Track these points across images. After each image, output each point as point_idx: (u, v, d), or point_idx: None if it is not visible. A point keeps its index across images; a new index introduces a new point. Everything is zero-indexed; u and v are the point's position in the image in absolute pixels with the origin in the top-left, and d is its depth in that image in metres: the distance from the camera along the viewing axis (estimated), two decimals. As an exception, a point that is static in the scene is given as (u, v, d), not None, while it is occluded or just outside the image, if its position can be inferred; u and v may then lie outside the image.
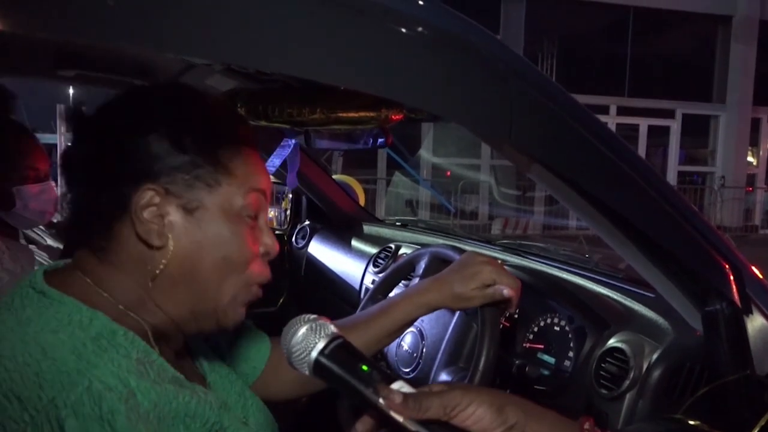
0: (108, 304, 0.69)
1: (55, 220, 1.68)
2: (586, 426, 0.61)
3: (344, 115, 1.22)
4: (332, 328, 0.64)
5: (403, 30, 0.65)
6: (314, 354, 0.62)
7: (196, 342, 0.86)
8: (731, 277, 0.87)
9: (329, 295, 1.98)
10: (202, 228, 0.71)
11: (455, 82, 0.70)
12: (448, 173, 9.90)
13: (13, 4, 0.54)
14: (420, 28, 0.66)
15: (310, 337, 0.62)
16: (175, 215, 0.71)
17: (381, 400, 0.59)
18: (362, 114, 1.23)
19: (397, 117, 1.27)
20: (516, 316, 1.30)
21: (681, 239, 0.84)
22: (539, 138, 0.75)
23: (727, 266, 0.87)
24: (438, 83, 0.69)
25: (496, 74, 0.72)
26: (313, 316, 0.65)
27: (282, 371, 0.95)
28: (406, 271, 1.28)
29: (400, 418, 0.58)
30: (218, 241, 0.72)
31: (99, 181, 0.71)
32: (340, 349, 0.63)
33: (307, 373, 0.63)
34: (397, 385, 0.60)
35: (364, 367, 0.61)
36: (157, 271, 0.71)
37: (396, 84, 0.66)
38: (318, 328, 0.63)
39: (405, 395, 0.59)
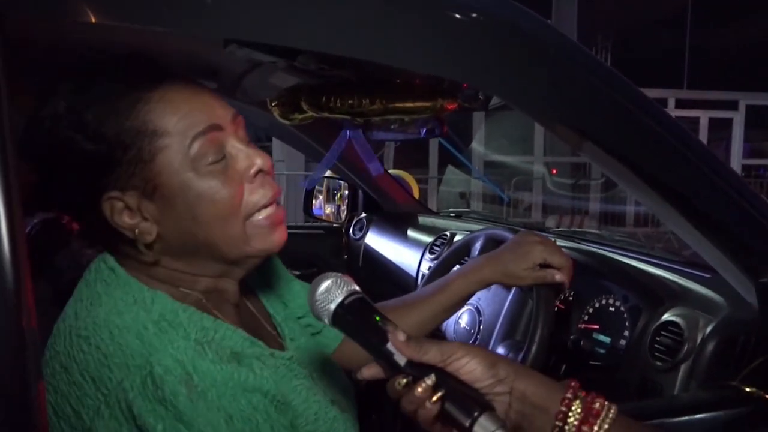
0: (161, 286, 0.74)
1: None
2: (573, 384, 0.64)
3: (401, 105, 1.28)
4: (354, 286, 0.70)
5: (459, 16, 0.71)
6: (333, 306, 0.68)
7: (276, 308, 0.92)
8: (785, 248, 0.89)
9: (387, 284, 2.04)
10: (171, 203, 0.71)
11: (508, 64, 0.75)
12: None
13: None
14: (475, 15, 0.72)
15: (332, 290, 0.68)
16: (145, 205, 0.71)
17: (388, 345, 0.65)
18: (418, 104, 1.29)
19: (452, 106, 1.32)
20: (571, 298, 1.33)
21: (734, 211, 0.87)
22: (591, 116, 0.80)
23: (780, 237, 0.89)
24: (491, 65, 0.74)
25: (547, 55, 0.77)
26: (338, 274, 0.70)
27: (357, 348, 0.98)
28: (462, 253, 1.33)
29: (401, 362, 0.64)
30: (194, 206, 0.70)
31: (72, 211, 0.75)
32: (357, 302, 0.68)
33: (326, 322, 0.69)
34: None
35: (377, 318, 0.68)
36: (167, 256, 0.73)
37: (455, 67, 0.72)
38: (341, 283, 0.69)
39: (408, 336, 0.65)
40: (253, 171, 0.74)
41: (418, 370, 0.64)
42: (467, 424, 0.60)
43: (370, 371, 0.68)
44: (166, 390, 0.63)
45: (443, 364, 0.64)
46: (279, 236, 0.77)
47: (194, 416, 0.64)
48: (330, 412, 0.79)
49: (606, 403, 0.63)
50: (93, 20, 0.61)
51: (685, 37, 10.96)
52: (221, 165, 0.72)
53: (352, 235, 2.34)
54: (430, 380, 0.62)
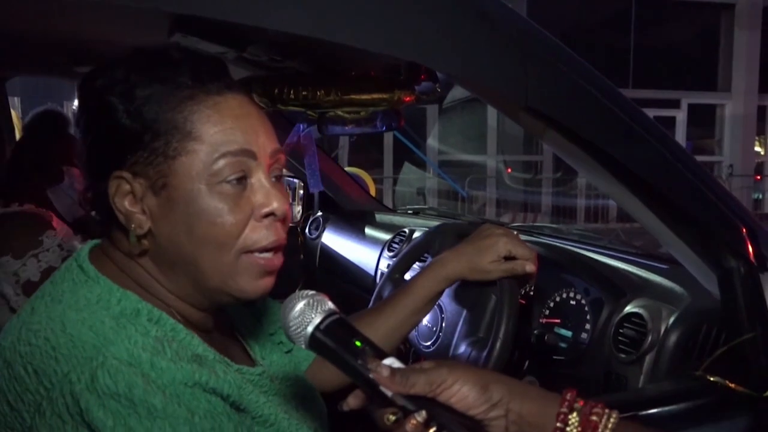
0: (134, 287, 0.70)
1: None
2: (568, 396, 0.61)
3: (357, 96, 1.24)
4: (329, 305, 0.66)
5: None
6: (310, 329, 0.63)
7: (247, 325, 0.87)
8: (746, 236, 0.89)
9: (345, 283, 2.00)
10: (174, 207, 0.68)
11: (470, 46, 0.72)
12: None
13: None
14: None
15: (307, 312, 0.64)
16: (149, 198, 0.69)
17: (371, 374, 0.61)
18: (375, 96, 1.25)
19: (409, 98, 1.29)
20: (531, 293, 1.32)
21: (695, 198, 0.86)
22: (554, 100, 0.77)
23: (742, 225, 0.89)
24: (454, 47, 0.71)
25: (510, 38, 0.74)
26: (311, 292, 0.66)
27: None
28: (422, 248, 1.30)
29: (388, 393, 0.60)
30: (193, 218, 0.68)
31: (88, 176, 0.72)
32: (335, 325, 0.64)
33: (303, 346, 0.65)
34: (388, 361, 0.62)
35: (358, 343, 0.63)
36: (148, 257, 0.71)
37: (414, 47, 0.69)
38: (315, 303, 0.65)
39: (393, 370, 0.61)
40: (264, 211, 0.71)
41: (407, 400, 0.60)
42: None
43: (357, 401, 0.64)
44: (120, 382, 0.59)
45: (433, 393, 0.60)
46: (265, 284, 0.73)
47: (151, 410, 0.59)
48: (302, 429, 0.76)
49: (606, 411, 0.60)
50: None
51: (629, 38, 11.28)
52: (236, 189, 0.69)
53: (308, 234, 2.28)
54: (420, 416, 0.59)
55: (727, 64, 11.61)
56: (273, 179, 0.73)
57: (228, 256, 0.70)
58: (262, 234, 0.71)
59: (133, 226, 0.69)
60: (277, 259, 0.73)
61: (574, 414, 0.60)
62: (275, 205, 0.71)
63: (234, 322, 0.87)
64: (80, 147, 0.73)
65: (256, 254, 0.71)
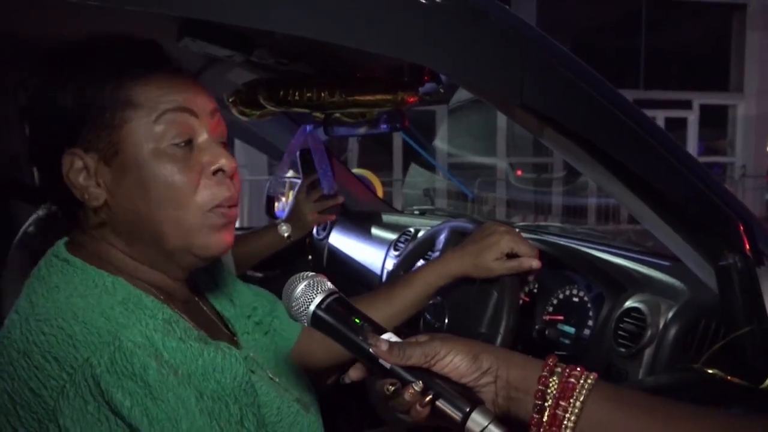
0: (116, 272, 0.73)
1: None
2: (550, 361, 0.66)
3: (361, 98, 1.27)
4: (329, 284, 0.70)
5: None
6: (312, 307, 0.68)
7: (225, 306, 0.90)
8: (742, 231, 0.90)
9: (352, 283, 2.02)
10: (126, 175, 0.71)
11: (467, 46, 0.74)
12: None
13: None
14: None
15: (308, 292, 0.68)
16: (102, 170, 0.72)
17: (371, 349, 0.66)
18: (379, 97, 1.27)
19: (413, 99, 1.31)
20: (535, 290, 1.33)
21: (691, 193, 0.87)
22: (550, 98, 0.79)
23: (738, 220, 0.90)
24: (451, 47, 0.73)
25: (506, 38, 0.76)
26: (311, 273, 0.71)
27: (315, 341, 0.97)
28: (426, 246, 1.32)
29: (387, 365, 0.65)
30: (147, 182, 0.71)
31: (37, 162, 0.76)
32: (335, 303, 0.69)
33: (306, 324, 0.69)
34: (386, 336, 0.67)
35: (357, 320, 0.68)
36: (113, 233, 0.74)
37: (412, 47, 0.71)
38: (316, 284, 0.69)
39: (391, 344, 0.66)
40: (213, 168, 0.74)
41: (404, 371, 0.65)
42: (459, 422, 0.62)
43: (357, 373, 0.68)
44: (135, 363, 0.62)
45: (428, 364, 0.65)
46: (224, 237, 0.76)
47: (164, 391, 0.62)
48: (293, 406, 0.78)
49: (584, 374, 0.64)
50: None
51: (641, 39, 11.23)
52: (184, 150, 0.72)
53: (315, 235, 2.31)
54: (418, 386, 0.64)
55: (739, 65, 11.52)
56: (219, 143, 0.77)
57: (187, 215, 0.73)
58: (215, 191, 0.74)
59: (86, 197, 0.72)
60: (233, 210, 0.77)
61: (554, 377, 0.64)
62: (223, 161, 0.74)
63: (213, 304, 0.89)
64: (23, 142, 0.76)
65: (211, 212, 0.74)
